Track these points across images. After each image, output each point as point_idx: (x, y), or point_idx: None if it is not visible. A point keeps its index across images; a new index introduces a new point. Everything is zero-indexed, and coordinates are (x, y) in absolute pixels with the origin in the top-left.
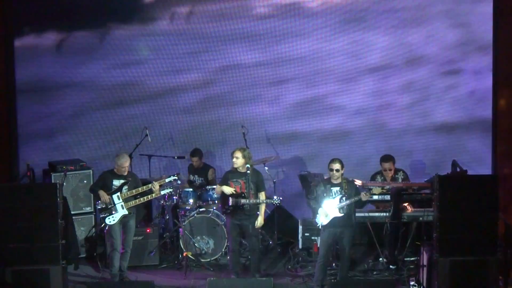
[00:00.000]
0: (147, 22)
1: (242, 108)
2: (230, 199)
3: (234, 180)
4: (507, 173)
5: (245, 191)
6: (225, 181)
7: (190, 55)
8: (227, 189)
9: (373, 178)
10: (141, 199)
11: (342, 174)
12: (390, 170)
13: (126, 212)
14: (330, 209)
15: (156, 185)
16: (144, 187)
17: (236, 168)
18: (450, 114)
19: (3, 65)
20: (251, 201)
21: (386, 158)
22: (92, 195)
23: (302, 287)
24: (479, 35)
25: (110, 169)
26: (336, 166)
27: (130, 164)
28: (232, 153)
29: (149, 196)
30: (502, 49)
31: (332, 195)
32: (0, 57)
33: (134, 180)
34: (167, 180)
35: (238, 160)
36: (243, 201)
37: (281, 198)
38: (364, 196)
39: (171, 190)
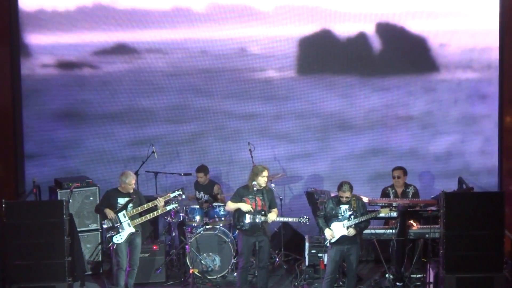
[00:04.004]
0: None
1: (248, 125)
2: (247, 216)
3: (250, 197)
4: None
5: (265, 208)
6: (239, 198)
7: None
8: (245, 207)
9: (384, 191)
10: (147, 216)
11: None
12: (399, 177)
13: (133, 230)
14: (338, 229)
15: (161, 201)
16: (150, 203)
17: (253, 185)
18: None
19: (9, 81)
20: (273, 218)
21: (397, 167)
22: None
23: None
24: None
25: (114, 188)
26: (347, 194)
27: (136, 181)
28: (261, 171)
29: (154, 213)
30: (508, 67)
31: (341, 213)
32: (6, 73)
33: (139, 198)
34: (172, 195)
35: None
36: (263, 218)
37: (308, 217)
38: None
39: (176, 205)
